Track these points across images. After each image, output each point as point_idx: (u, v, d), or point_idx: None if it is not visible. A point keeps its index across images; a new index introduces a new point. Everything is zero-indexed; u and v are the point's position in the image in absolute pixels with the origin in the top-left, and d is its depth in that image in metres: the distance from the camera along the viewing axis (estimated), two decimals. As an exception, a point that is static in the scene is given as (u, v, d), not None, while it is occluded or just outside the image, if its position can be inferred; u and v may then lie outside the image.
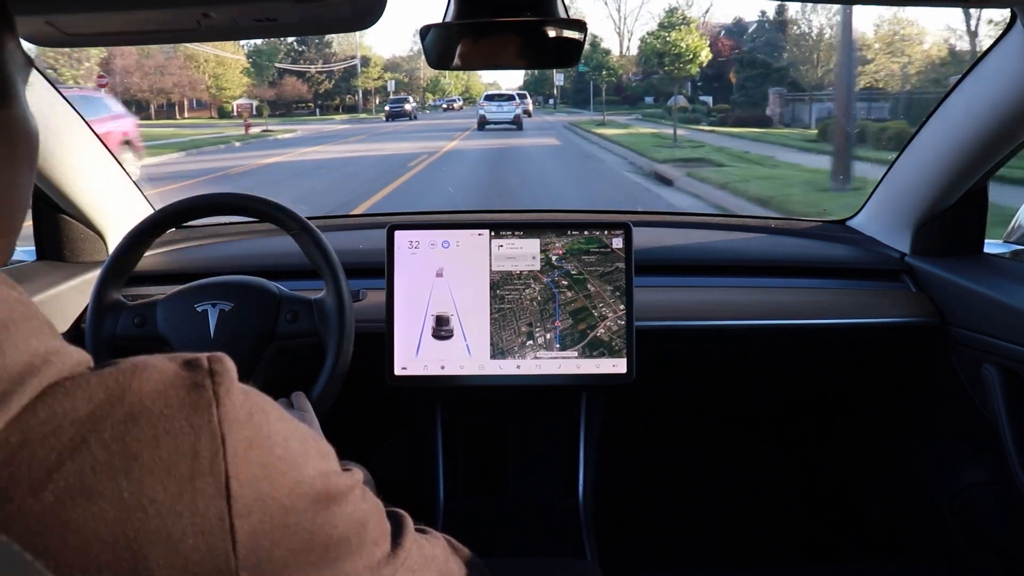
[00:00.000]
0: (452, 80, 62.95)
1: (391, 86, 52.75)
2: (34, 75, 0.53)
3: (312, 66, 50.63)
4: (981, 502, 1.42)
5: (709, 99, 36.42)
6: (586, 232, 1.30)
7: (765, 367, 1.63)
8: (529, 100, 36.42)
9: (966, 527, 1.45)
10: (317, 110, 50.23)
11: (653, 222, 1.73)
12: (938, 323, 1.40)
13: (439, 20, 0.93)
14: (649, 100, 45.66)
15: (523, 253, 1.30)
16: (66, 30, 0.87)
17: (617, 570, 1.33)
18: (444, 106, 53.03)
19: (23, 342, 0.41)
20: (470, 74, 66.12)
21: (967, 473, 1.44)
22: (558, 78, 48.71)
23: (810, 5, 12.46)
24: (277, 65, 48.52)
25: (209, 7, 0.80)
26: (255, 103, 43.46)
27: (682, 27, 27.00)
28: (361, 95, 54.00)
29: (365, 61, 54.77)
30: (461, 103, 55.35)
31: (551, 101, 60.63)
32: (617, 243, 1.30)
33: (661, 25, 28.16)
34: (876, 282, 1.51)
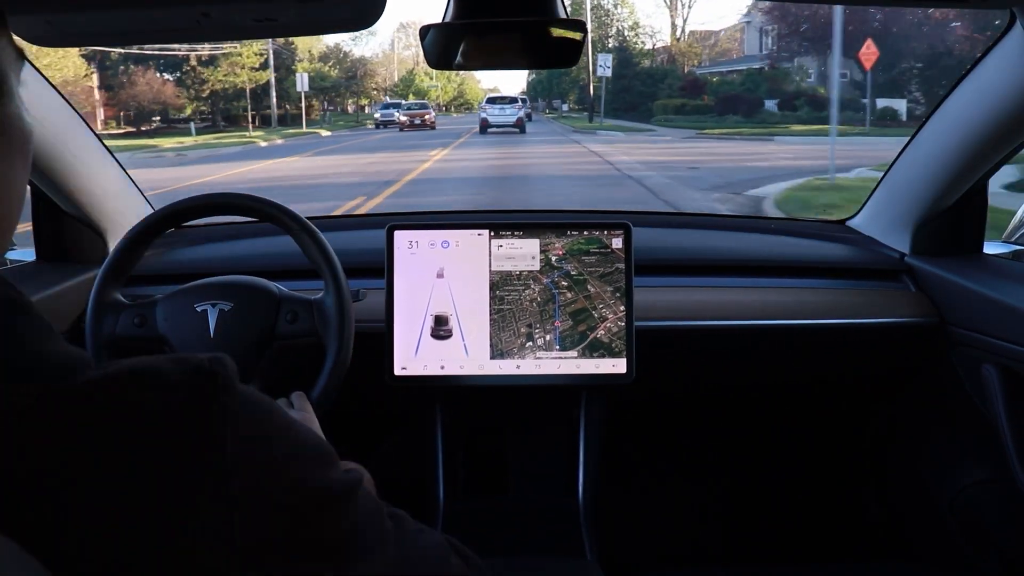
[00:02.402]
0: (442, 83, 48.90)
1: (303, 83, 31.42)
2: (33, 75, 0.53)
3: (197, 48, 30.07)
4: (981, 502, 1.42)
5: (901, 105, 21.95)
6: (586, 232, 1.30)
7: (765, 367, 1.63)
8: (529, 104, 34.02)
9: (966, 527, 1.45)
10: (192, 125, 30.66)
11: (653, 222, 1.73)
12: (938, 323, 1.41)
13: (439, 20, 0.93)
14: (771, 106, 26.13)
15: (523, 253, 1.30)
16: (66, 30, 0.87)
17: (617, 569, 1.33)
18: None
19: (22, 343, 0.41)
20: (464, 78, 53.94)
21: (967, 473, 1.44)
22: (604, 64, 28.13)
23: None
24: (97, 48, 22.76)
25: (209, 6, 0.80)
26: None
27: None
28: (274, 102, 34.11)
29: (288, 48, 35.94)
30: (433, 115, 31.57)
31: (565, 106, 44.70)
32: (617, 243, 1.30)
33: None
34: (876, 282, 1.51)
